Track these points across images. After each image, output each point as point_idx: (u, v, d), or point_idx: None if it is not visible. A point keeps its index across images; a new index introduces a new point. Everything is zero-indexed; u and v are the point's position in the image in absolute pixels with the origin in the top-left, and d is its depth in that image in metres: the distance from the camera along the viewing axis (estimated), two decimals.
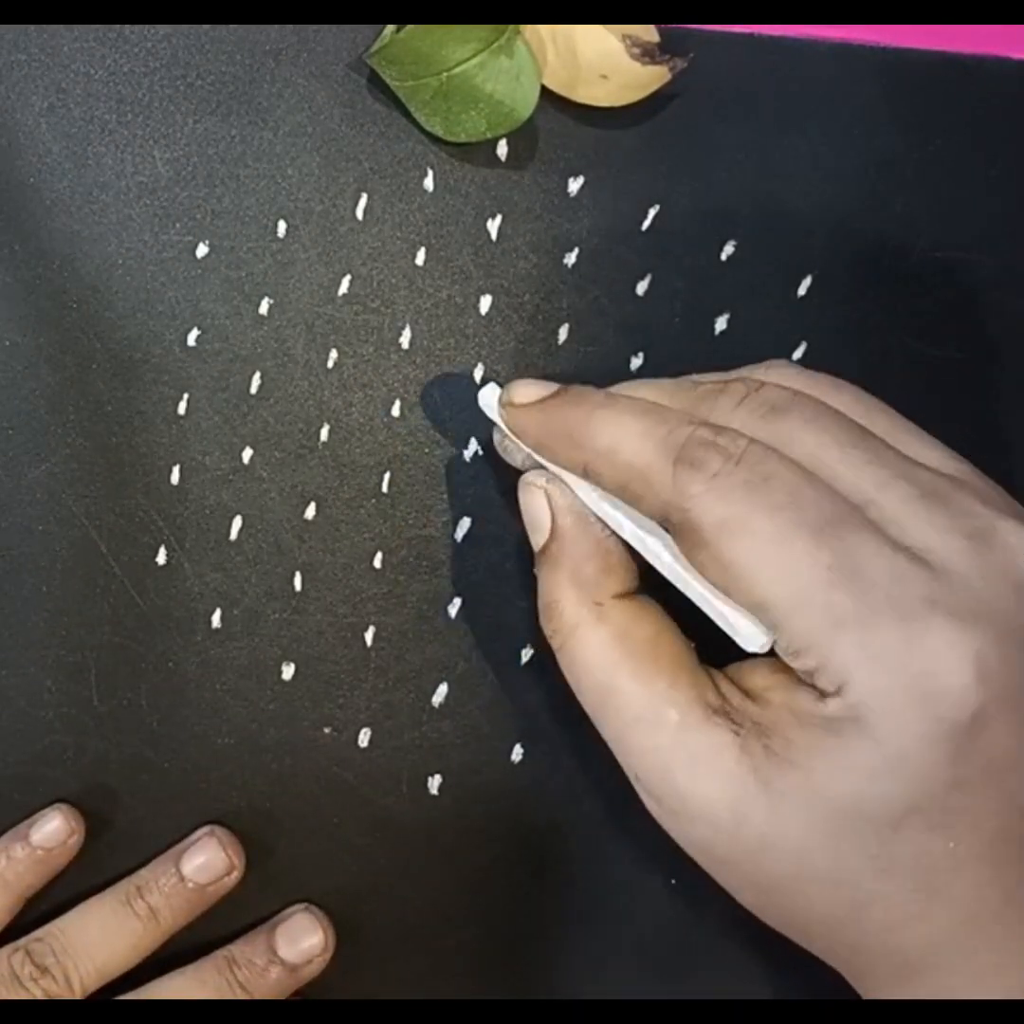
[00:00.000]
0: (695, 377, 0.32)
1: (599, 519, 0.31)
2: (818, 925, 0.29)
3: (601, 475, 0.30)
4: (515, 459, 0.33)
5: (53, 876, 0.36)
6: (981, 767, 0.26)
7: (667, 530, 0.29)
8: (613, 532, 0.31)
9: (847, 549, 0.26)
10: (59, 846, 0.35)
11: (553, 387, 0.31)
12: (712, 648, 0.30)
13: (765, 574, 0.27)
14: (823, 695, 0.27)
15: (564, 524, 0.31)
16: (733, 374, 0.32)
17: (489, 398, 0.33)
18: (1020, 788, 0.26)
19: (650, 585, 0.31)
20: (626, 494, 0.29)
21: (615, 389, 0.32)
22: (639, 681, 0.29)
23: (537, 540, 0.32)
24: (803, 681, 0.28)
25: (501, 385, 0.32)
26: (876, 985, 0.29)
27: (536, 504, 0.32)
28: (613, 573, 0.31)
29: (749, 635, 0.28)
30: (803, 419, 0.28)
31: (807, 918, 0.29)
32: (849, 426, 0.28)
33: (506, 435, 0.32)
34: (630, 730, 0.29)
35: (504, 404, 0.32)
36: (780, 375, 0.31)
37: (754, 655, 0.29)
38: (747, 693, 0.29)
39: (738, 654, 0.29)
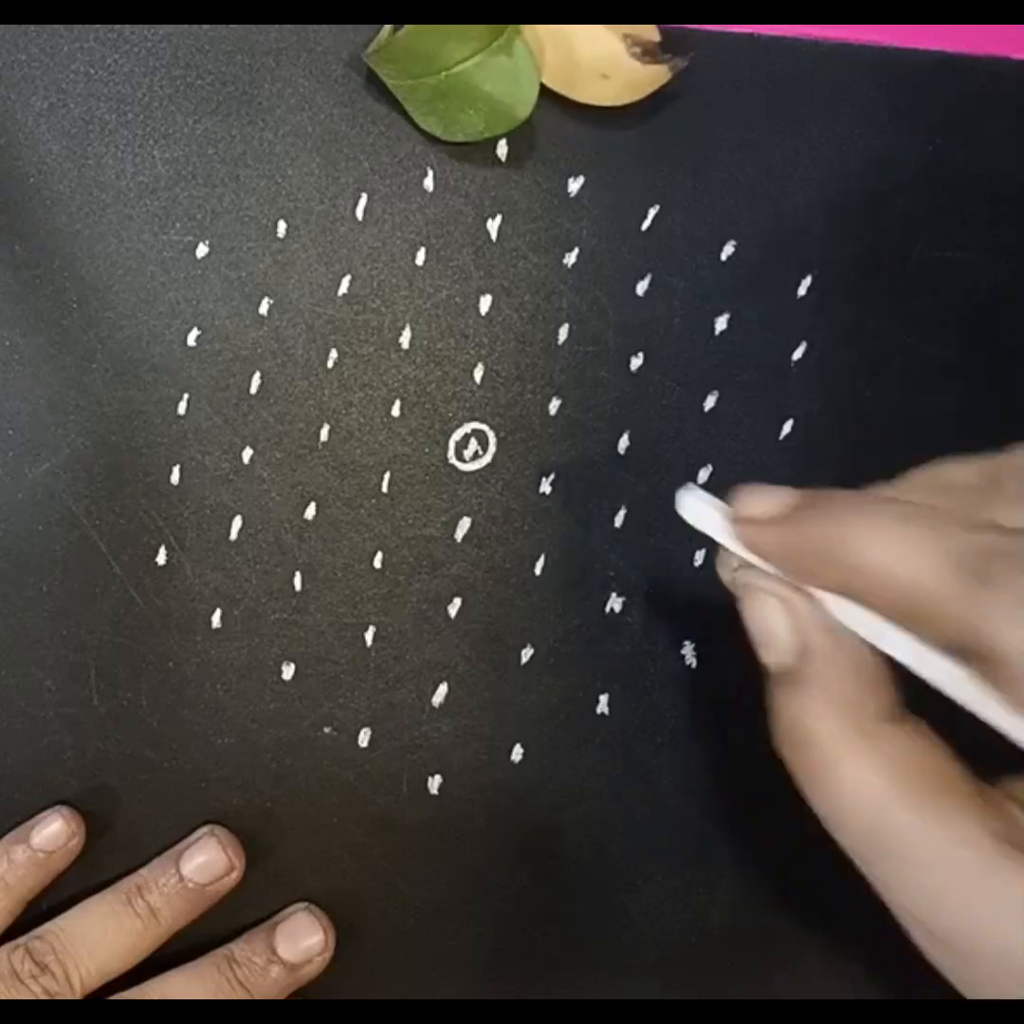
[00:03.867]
0: (953, 463, 0.28)
1: (853, 632, 0.27)
2: None
3: (870, 597, 0.26)
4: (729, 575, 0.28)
5: (53, 878, 0.36)
6: None
7: (960, 656, 0.25)
8: (871, 645, 0.26)
9: None
10: (60, 849, 0.35)
11: (792, 495, 0.27)
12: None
13: None
14: None
15: (815, 641, 0.27)
16: (1003, 456, 0.27)
17: (701, 508, 0.28)
18: None
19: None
20: (905, 619, 0.25)
21: (876, 489, 0.28)
22: (918, 815, 0.25)
23: (774, 659, 0.27)
24: None
25: (709, 489, 0.28)
26: None
27: (772, 618, 0.27)
28: (877, 694, 0.26)
29: None
30: None
31: None
32: None
33: (736, 554, 0.28)
34: (915, 875, 0.25)
35: (737, 521, 0.27)
36: None
37: None
38: None
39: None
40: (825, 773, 0.26)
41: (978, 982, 0.25)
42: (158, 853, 0.36)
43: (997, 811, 0.25)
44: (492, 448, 0.37)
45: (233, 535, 0.37)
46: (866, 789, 0.25)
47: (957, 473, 0.27)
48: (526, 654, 0.37)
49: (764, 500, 0.27)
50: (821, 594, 0.26)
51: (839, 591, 0.26)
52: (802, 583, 0.27)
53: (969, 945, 0.25)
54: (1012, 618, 0.23)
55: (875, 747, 0.26)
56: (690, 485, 0.28)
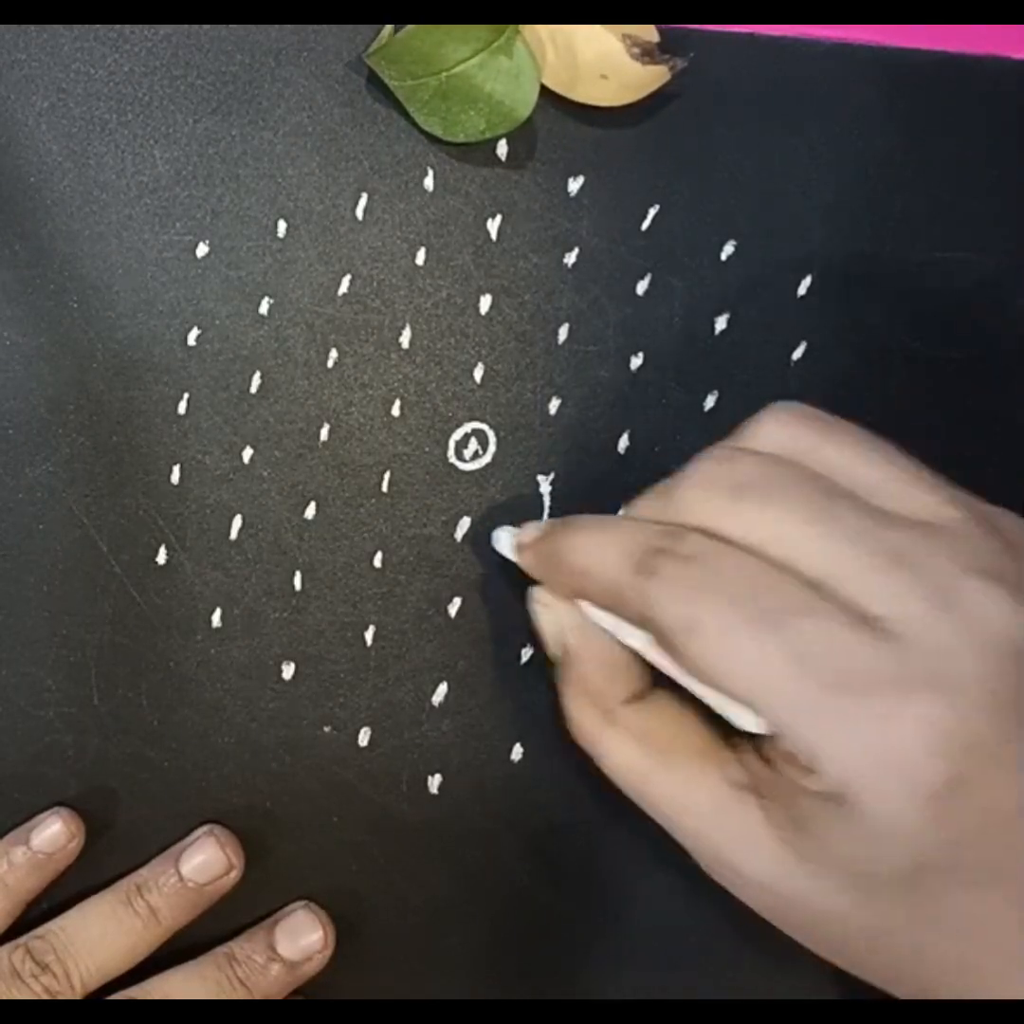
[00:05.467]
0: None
1: (604, 630, 0.32)
2: (884, 974, 0.29)
3: (587, 595, 0.31)
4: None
5: (53, 879, 0.36)
6: (978, 823, 0.26)
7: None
8: (619, 640, 0.32)
9: (796, 634, 0.27)
10: (59, 850, 0.35)
11: (548, 522, 0.33)
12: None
13: (724, 670, 0.28)
14: (810, 772, 0.27)
15: (568, 640, 0.32)
16: (729, 440, 0.31)
17: (505, 540, 0.34)
18: None
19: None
20: (611, 609, 0.31)
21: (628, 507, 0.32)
22: (663, 774, 0.30)
23: (551, 654, 0.33)
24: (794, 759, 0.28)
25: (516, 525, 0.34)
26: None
27: (545, 622, 0.33)
28: (619, 680, 0.32)
29: (744, 720, 0.29)
30: (765, 499, 0.28)
31: (873, 968, 0.29)
32: (812, 497, 0.28)
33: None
34: (673, 821, 0.30)
35: (515, 548, 0.34)
36: (768, 434, 0.30)
37: None
38: (769, 762, 0.29)
39: None
40: (592, 749, 0.32)
41: (757, 908, 0.30)
42: (158, 853, 0.36)
43: (735, 762, 0.30)
44: (492, 448, 0.37)
45: (233, 534, 0.37)
46: (621, 760, 0.31)
47: (664, 485, 0.31)
48: (526, 653, 0.37)
49: (530, 529, 0.33)
50: (579, 599, 0.32)
51: (574, 593, 0.32)
52: (554, 591, 0.32)
53: (727, 876, 0.30)
54: (666, 599, 0.28)
55: (619, 724, 0.31)
56: (505, 528, 0.34)
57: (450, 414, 0.37)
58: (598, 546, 0.30)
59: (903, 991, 0.29)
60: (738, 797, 0.29)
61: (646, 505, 0.31)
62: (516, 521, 0.35)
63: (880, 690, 0.26)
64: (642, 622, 0.30)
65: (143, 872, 0.36)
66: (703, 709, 0.31)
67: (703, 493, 0.29)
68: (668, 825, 0.31)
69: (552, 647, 0.33)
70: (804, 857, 0.28)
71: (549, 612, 0.33)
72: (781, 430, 0.30)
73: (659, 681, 0.32)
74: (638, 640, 0.31)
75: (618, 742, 0.31)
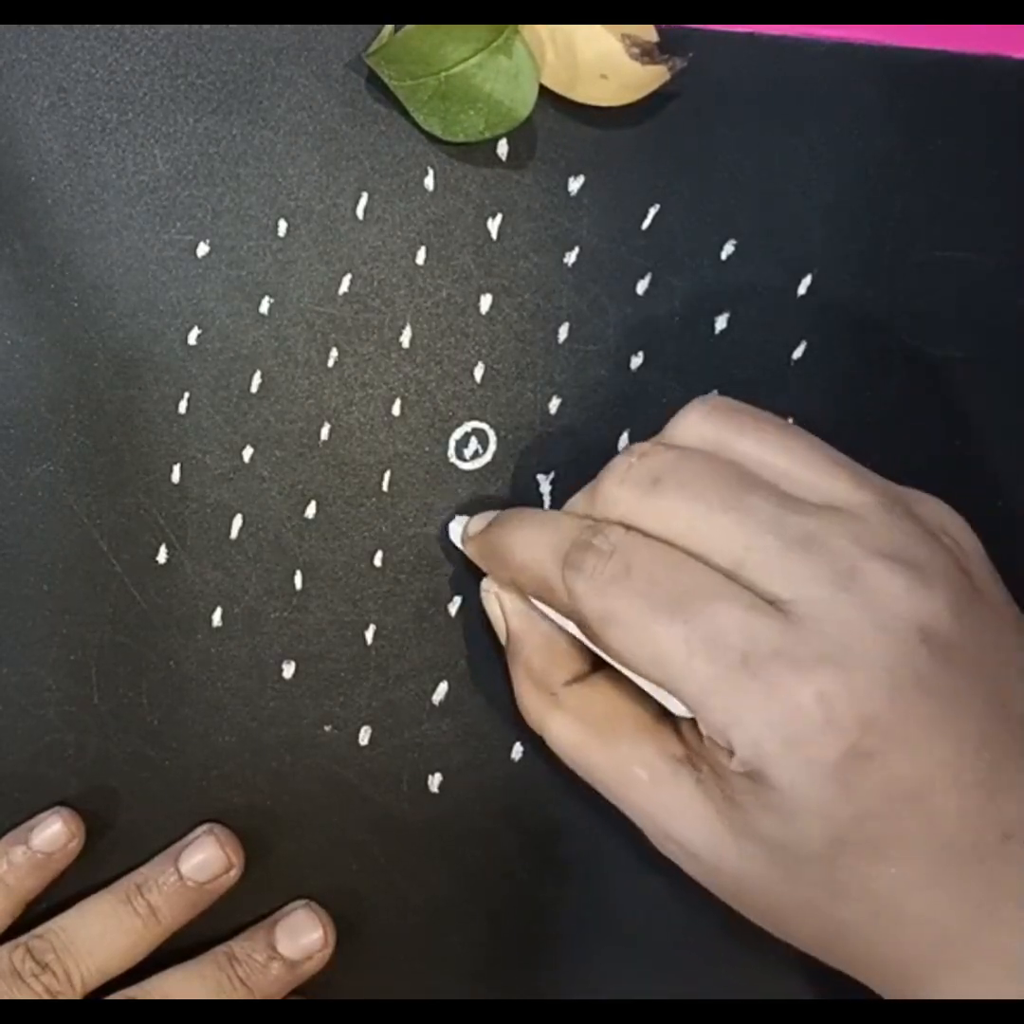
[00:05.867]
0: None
1: (545, 616, 0.33)
2: (813, 945, 0.30)
3: (523, 587, 0.33)
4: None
5: (53, 879, 0.36)
6: (883, 798, 0.27)
7: None
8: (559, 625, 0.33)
9: (703, 619, 0.28)
10: (59, 850, 0.35)
11: (492, 514, 0.35)
12: None
13: (639, 658, 0.29)
14: (728, 752, 0.28)
15: (512, 626, 0.34)
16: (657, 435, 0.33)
17: (456, 531, 0.36)
18: (945, 811, 0.27)
19: None
20: (543, 601, 0.32)
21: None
22: (604, 751, 0.32)
23: (502, 640, 0.35)
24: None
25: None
26: (889, 994, 0.30)
27: (491, 608, 0.35)
28: (560, 663, 0.33)
29: (670, 703, 0.30)
30: (679, 490, 0.30)
31: (804, 940, 0.30)
32: (725, 487, 0.29)
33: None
34: (617, 796, 0.32)
35: (464, 540, 0.35)
36: (686, 427, 0.31)
37: None
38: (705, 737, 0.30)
39: None
40: (539, 729, 0.33)
41: (702, 882, 0.31)
42: (158, 852, 0.36)
43: (672, 736, 0.31)
44: (492, 447, 0.37)
45: (234, 534, 0.37)
46: (565, 739, 0.33)
47: (593, 482, 0.32)
48: None
49: (477, 520, 0.35)
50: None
51: (513, 583, 0.33)
52: (498, 581, 0.34)
53: (672, 849, 0.31)
54: (585, 593, 0.30)
55: (561, 705, 0.33)
56: (459, 517, 0.36)
57: (450, 413, 0.37)
58: (529, 542, 0.32)
59: (834, 962, 0.30)
60: (675, 770, 0.30)
61: (578, 501, 0.33)
62: None
63: (781, 669, 0.27)
64: (568, 614, 0.31)
65: (143, 871, 0.36)
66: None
67: (623, 488, 0.31)
68: (614, 800, 0.32)
69: (498, 631, 0.35)
70: (735, 831, 0.29)
71: (496, 600, 0.35)
72: (702, 423, 0.31)
73: (602, 663, 0.32)
74: (574, 626, 0.32)
75: (561, 722, 0.33)
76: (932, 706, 0.27)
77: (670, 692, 0.29)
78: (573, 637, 0.33)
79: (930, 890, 0.28)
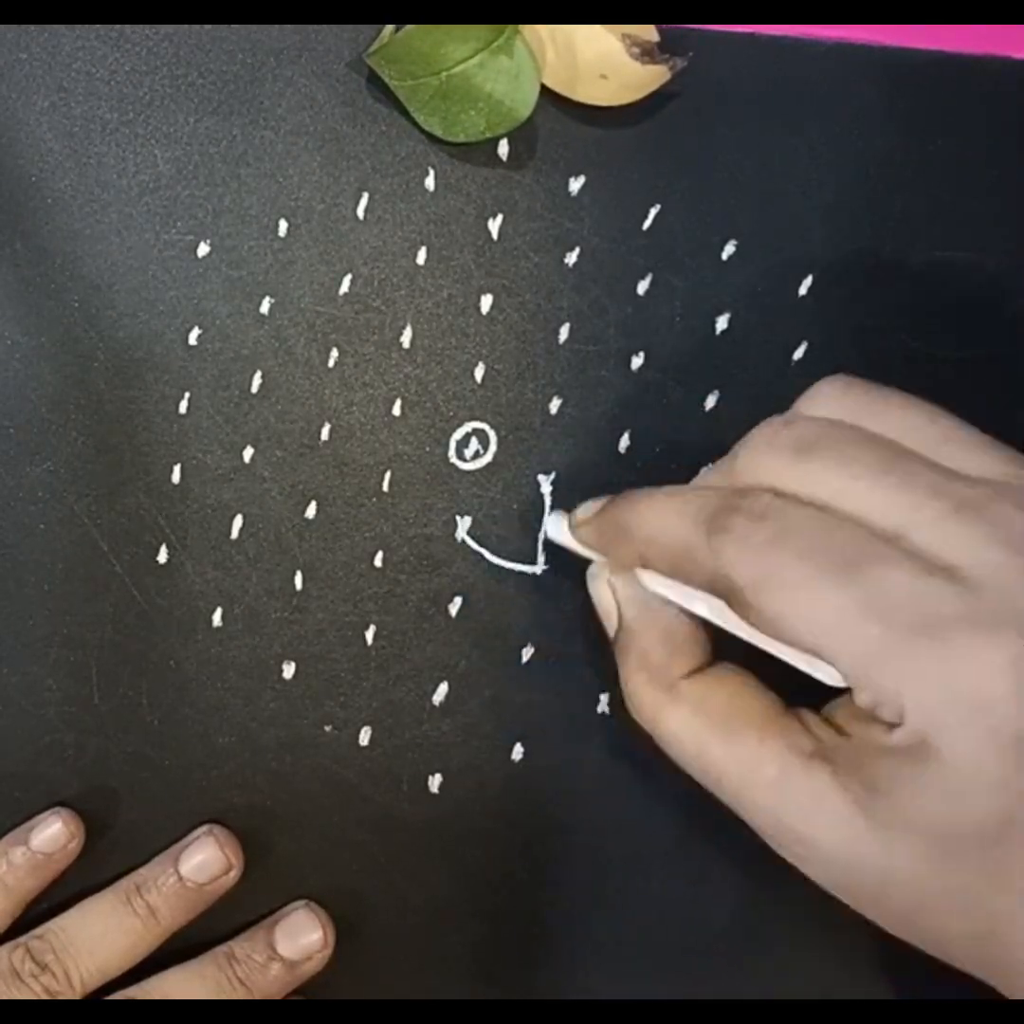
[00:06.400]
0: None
1: (666, 602, 0.32)
2: (960, 946, 0.28)
3: (654, 562, 0.31)
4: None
5: (52, 880, 0.36)
6: None
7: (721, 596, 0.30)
8: (680, 612, 0.31)
9: (873, 582, 0.27)
10: (59, 850, 0.35)
11: (607, 498, 0.33)
12: (809, 691, 0.30)
13: (803, 622, 0.27)
14: (890, 726, 0.27)
15: (628, 615, 0.32)
16: (788, 414, 0.31)
17: (557, 527, 0.34)
18: None
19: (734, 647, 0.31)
20: (678, 574, 0.30)
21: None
22: (726, 746, 0.30)
23: (610, 630, 0.33)
24: (873, 714, 0.28)
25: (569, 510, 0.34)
26: None
27: (603, 596, 0.33)
28: (681, 654, 0.31)
29: (823, 674, 0.29)
30: (831, 455, 0.29)
31: (948, 940, 0.28)
32: (880, 453, 0.28)
33: (579, 552, 0.34)
34: (737, 795, 0.30)
35: (572, 527, 0.33)
36: (824, 402, 0.30)
37: (841, 690, 0.29)
38: (839, 729, 0.29)
39: (830, 692, 0.29)
40: (653, 727, 0.31)
41: (825, 882, 0.29)
42: (158, 852, 0.36)
43: (801, 730, 0.29)
44: (493, 447, 0.37)
45: (234, 534, 0.37)
46: (684, 736, 0.30)
47: (725, 458, 0.31)
48: (527, 653, 0.37)
49: (588, 505, 0.33)
50: (641, 573, 0.32)
51: (639, 563, 0.31)
52: (617, 564, 0.32)
53: (795, 849, 0.29)
54: (737, 555, 0.28)
55: (681, 696, 0.31)
56: (556, 512, 0.34)
57: (451, 414, 0.37)
58: (664, 512, 0.30)
59: (981, 967, 0.28)
60: (805, 765, 0.28)
61: (709, 475, 0.31)
62: (518, 520, 0.35)
63: (960, 632, 0.26)
64: (712, 583, 0.29)
65: (143, 872, 0.36)
66: (766, 680, 0.31)
67: (767, 455, 0.29)
68: (732, 800, 0.30)
69: (608, 620, 0.33)
70: (878, 821, 0.27)
71: (608, 588, 0.33)
72: (839, 398, 0.30)
73: (720, 655, 0.32)
74: (705, 606, 0.31)
75: (680, 716, 0.31)
76: None
77: (828, 660, 0.27)
78: (692, 627, 0.31)
79: None
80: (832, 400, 0.30)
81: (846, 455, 0.28)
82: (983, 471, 0.29)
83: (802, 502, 0.28)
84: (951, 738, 0.26)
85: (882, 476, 0.28)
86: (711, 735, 0.30)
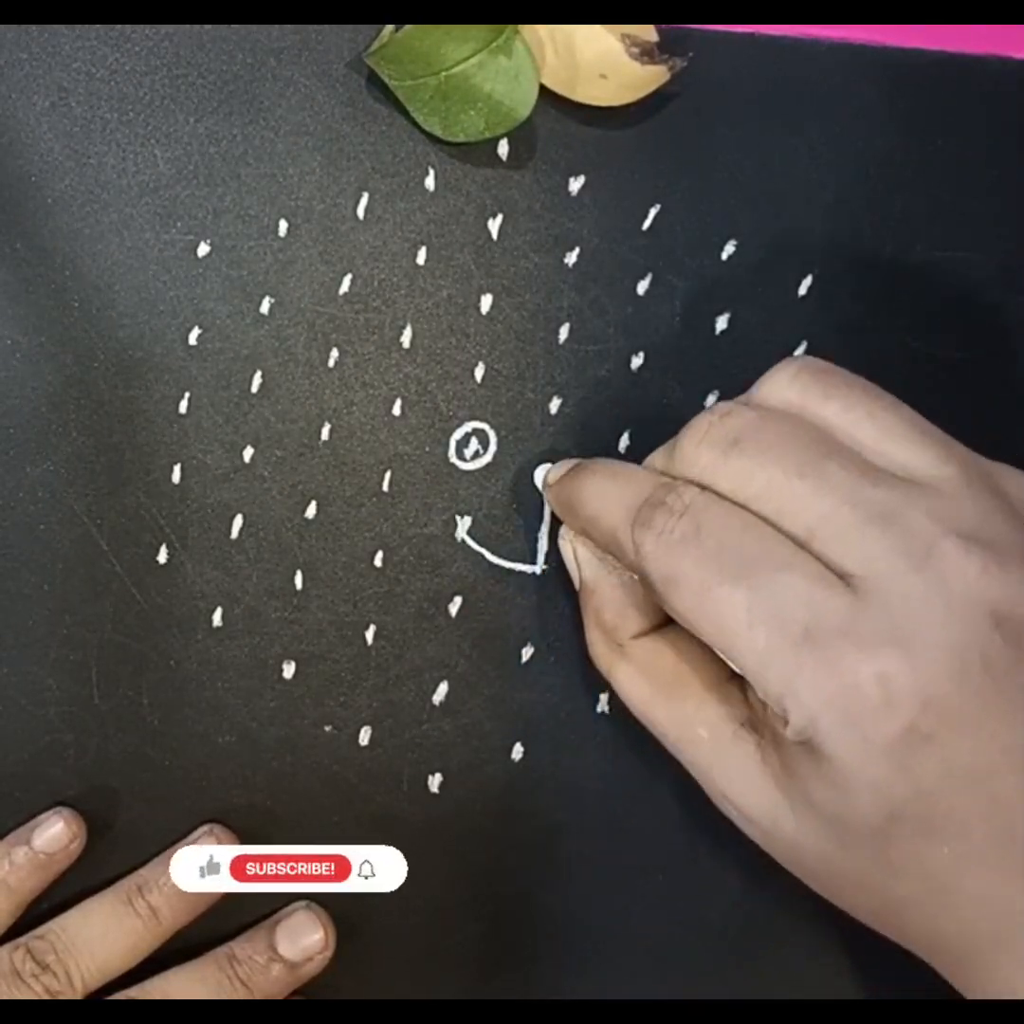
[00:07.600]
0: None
1: (618, 567, 0.33)
2: (871, 919, 0.30)
3: (594, 540, 0.33)
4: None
5: (54, 879, 0.36)
6: (941, 778, 0.27)
7: None
8: (633, 575, 0.33)
9: (767, 587, 0.28)
10: (61, 851, 0.35)
11: (571, 462, 0.34)
12: None
13: (705, 622, 0.29)
14: (784, 720, 0.28)
15: (585, 574, 0.34)
16: (741, 397, 0.32)
17: (539, 478, 0.36)
18: (1006, 795, 0.27)
19: None
20: (611, 554, 0.32)
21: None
22: (667, 707, 0.32)
23: (576, 586, 0.35)
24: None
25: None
26: (948, 972, 0.30)
27: (566, 555, 0.35)
28: (631, 615, 0.33)
29: (736, 665, 0.29)
30: (759, 451, 0.29)
31: (860, 913, 0.30)
32: (804, 454, 0.29)
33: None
34: (678, 752, 0.32)
35: (544, 486, 0.36)
36: (775, 387, 0.31)
37: None
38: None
39: None
40: (608, 678, 0.33)
41: (759, 843, 0.30)
42: (158, 852, 0.36)
43: (739, 699, 0.31)
44: (493, 447, 0.37)
45: (234, 534, 0.37)
46: (630, 692, 0.33)
47: (673, 439, 0.32)
48: (527, 653, 0.37)
49: (558, 467, 0.35)
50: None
51: (585, 534, 0.33)
52: (573, 529, 0.34)
53: (729, 809, 0.31)
54: (652, 552, 0.29)
55: (628, 655, 0.33)
56: (545, 465, 0.36)
57: (451, 413, 0.37)
58: (603, 496, 0.32)
59: (894, 936, 0.30)
60: (736, 733, 0.30)
61: (657, 456, 0.32)
62: (518, 520, 0.35)
63: (841, 643, 0.27)
64: (635, 571, 0.31)
65: (143, 872, 0.36)
66: None
67: (702, 447, 0.30)
68: (676, 755, 0.32)
69: (572, 579, 0.35)
70: (791, 799, 0.29)
71: (570, 547, 0.34)
72: (789, 384, 0.31)
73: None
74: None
75: (627, 674, 0.33)
76: (999, 691, 0.26)
77: (726, 657, 0.29)
78: (644, 591, 0.32)
79: (987, 870, 0.27)
80: (781, 386, 0.31)
81: (772, 454, 0.29)
82: (912, 470, 0.29)
83: (724, 499, 0.29)
84: (832, 744, 0.27)
85: (800, 479, 0.28)
86: (654, 694, 0.32)
